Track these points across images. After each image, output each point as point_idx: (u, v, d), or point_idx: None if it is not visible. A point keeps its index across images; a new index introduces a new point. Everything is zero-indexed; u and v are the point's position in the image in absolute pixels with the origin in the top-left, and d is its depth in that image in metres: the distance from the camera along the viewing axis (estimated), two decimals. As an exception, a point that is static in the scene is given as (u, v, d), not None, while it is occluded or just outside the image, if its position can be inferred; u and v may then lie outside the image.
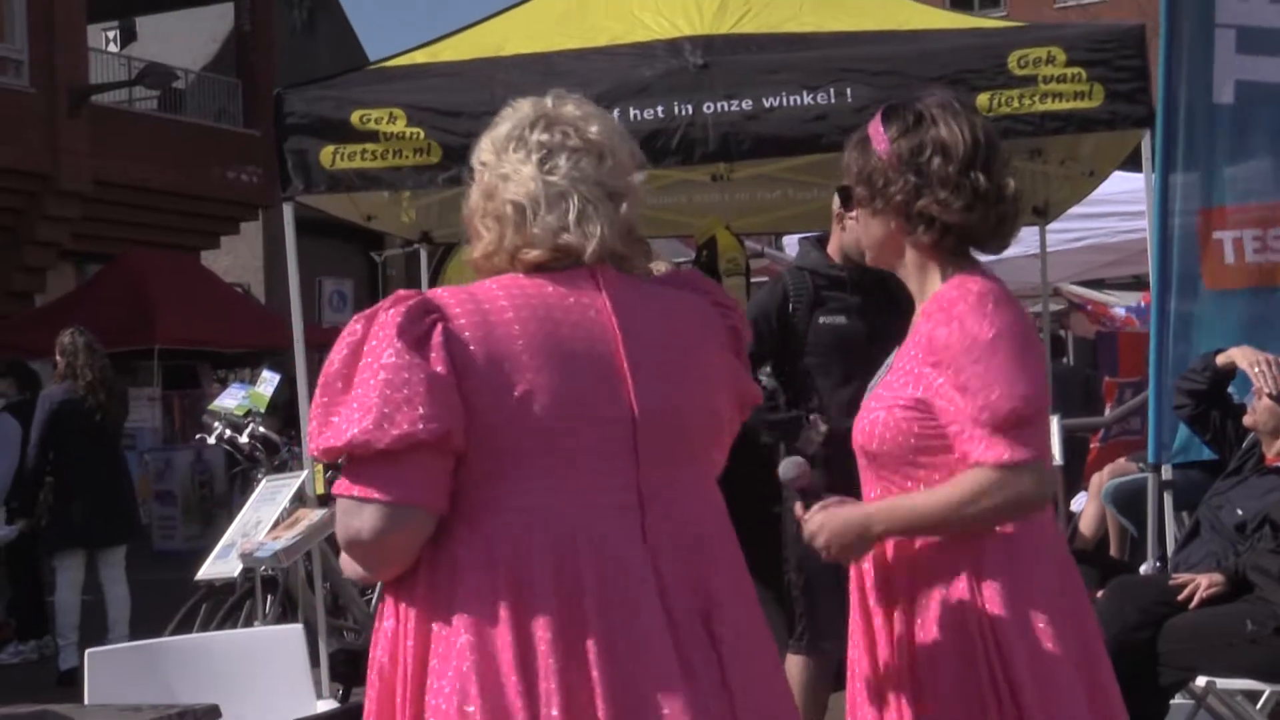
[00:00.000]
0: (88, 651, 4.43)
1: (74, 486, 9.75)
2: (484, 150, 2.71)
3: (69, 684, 8.87)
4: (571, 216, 2.60)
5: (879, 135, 3.11)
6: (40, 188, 20.87)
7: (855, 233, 5.70)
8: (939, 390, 2.96)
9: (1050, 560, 3.06)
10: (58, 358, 9.96)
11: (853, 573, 3.19)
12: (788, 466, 3.13)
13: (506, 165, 2.65)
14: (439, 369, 2.47)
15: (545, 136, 2.65)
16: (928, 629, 3.04)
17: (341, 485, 2.53)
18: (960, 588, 3.00)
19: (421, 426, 2.43)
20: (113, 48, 29.04)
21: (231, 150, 23.64)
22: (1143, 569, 6.34)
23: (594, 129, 2.66)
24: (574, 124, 2.66)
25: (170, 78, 23.26)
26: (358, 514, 2.50)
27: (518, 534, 2.49)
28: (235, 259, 26.78)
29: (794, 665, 5.79)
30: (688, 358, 2.66)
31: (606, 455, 2.54)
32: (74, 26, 21.82)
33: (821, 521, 3.06)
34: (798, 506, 3.15)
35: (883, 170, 3.08)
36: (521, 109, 2.71)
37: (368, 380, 2.48)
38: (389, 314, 2.51)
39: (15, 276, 21.46)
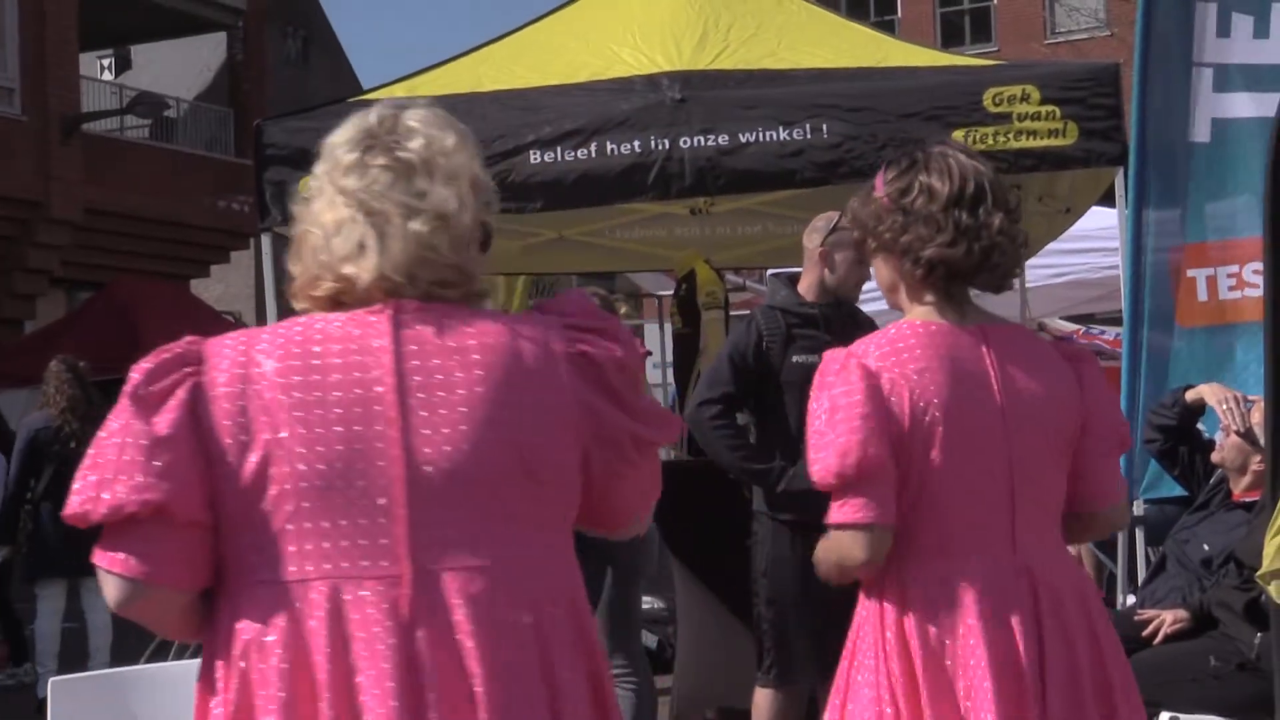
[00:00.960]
0: (51, 680, 4.43)
1: (52, 514, 9.75)
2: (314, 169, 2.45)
3: (44, 712, 8.85)
4: (353, 244, 2.31)
5: (879, 182, 3.29)
6: (31, 215, 20.91)
7: (843, 267, 5.76)
8: None
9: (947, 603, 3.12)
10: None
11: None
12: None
13: (313, 185, 2.41)
14: (165, 432, 2.20)
15: (354, 156, 2.39)
16: (853, 663, 3.20)
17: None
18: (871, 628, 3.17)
19: (133, 497, 2.17)
20: (107, 75, 29.14)
21: (223, 179, 23.69)
22: (1129, 602, 6.35)
23: (413, 145, 2.37)
24: (392, 139, 2.38)
25: (162, 106, 23.34)
26: (105, 582, 2.28)
27: (263, 614, 2.22)
28: (227, 287, 26.85)
29: (762, 699, 5.81)
30: (497, 399, 2.26)
31: (368, 516, 2.21)
32: (66, 54, 21.88)
33: None
34: None
35: (876, 213, 3.26)
36: (351, 123, 2.46)
37: (100, 443, 2.24)
38: (134, 371, 2.26)
39: (5, 303, 21.48)
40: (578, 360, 2.33)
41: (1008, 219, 3.20)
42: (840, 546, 3.12)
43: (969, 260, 3.16)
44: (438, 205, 2.32)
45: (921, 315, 3.22)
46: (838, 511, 3.09)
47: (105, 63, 31.32)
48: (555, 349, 2.33)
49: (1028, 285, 9.56)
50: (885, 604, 3.13)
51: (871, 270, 3.48)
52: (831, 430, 3.09)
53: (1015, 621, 3.07)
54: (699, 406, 5.85)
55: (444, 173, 2.35)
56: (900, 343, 3.16)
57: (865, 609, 3.21)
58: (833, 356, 3.19)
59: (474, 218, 2.36)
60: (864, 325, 6.22)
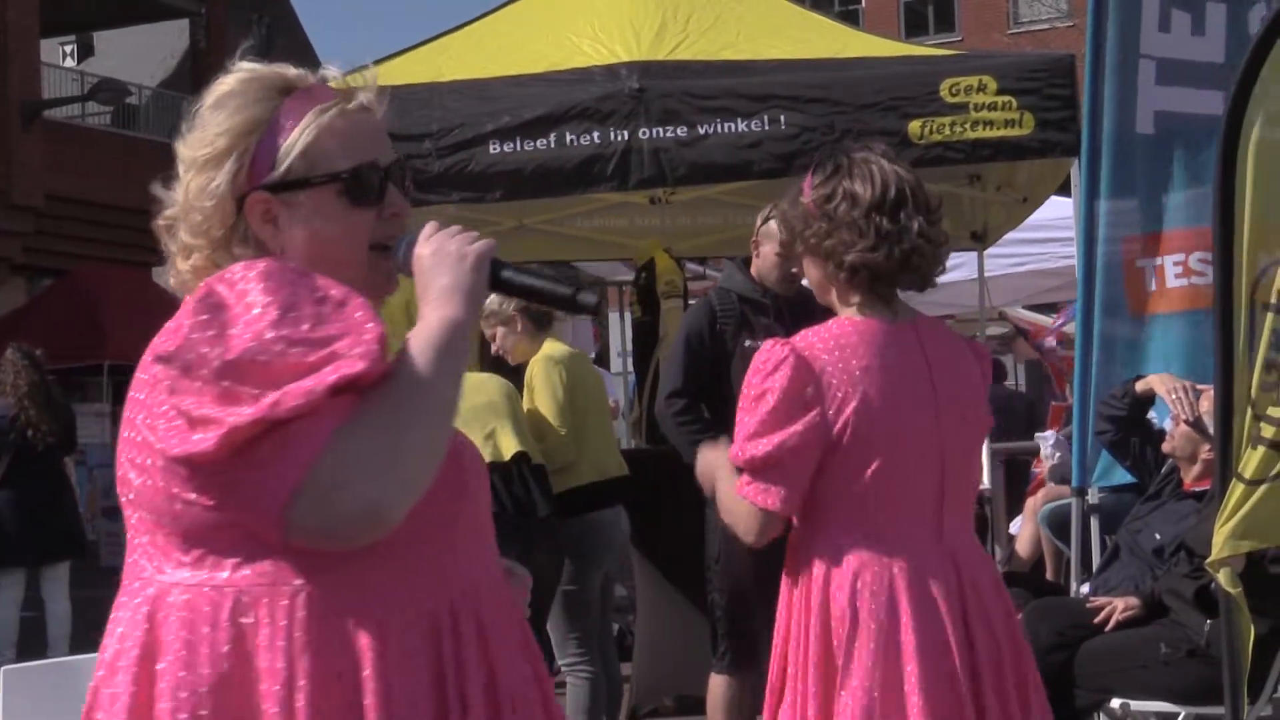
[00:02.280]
0: (2, 670, 4.42)
1: (11, 503, 9.73)
2: None
3: (5, 701, 8.81)
4: None
5: (807, 184, 3.42)
6: (-8, 202, 20.80)
7: (767, 260, 5.82)
8: None
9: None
10: (1, 374, 9.95)
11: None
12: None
13: None
14: None
15: None
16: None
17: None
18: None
19: None
20: (70, 62, 28.98)
21: (186, 166, 23.59)
22: (1083, 590, 6.41)
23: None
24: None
25: (124, 94, 23.21)
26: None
27: None
28: (189, 275, 26.72)
29: (716, 685, 5.84)
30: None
31: None
32: (27, 40, 21.74)
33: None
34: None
35: (803, 217, 3.39)
36: None
37: None
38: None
39: (-35, 291, 21.38)
40: None
41: (928, 222, 3.32)
42: (736, 518, 3.32)
43: (890, 264, 3.30)
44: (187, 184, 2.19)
45: (856, 313, 3.34)
46: (746, 486, 3.27)
47: (67, 49, 31.14)
48: None
49: (987, 275, 9.61)
50: (821, 589, 3.22)
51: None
52: (761, 416, 3.22)
53: (944, 608, 3.18)
54: (666, 399, 5.88)
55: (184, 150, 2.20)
56: (844, 339, 3.26)
57: (797, 595, 3.30)
58: (773, 345, 3.30)
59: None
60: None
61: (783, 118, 6.53)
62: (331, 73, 2.19)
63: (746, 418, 3.25)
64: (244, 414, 1.88)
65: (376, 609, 1.98)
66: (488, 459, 5.98)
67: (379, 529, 1.93)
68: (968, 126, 6.54)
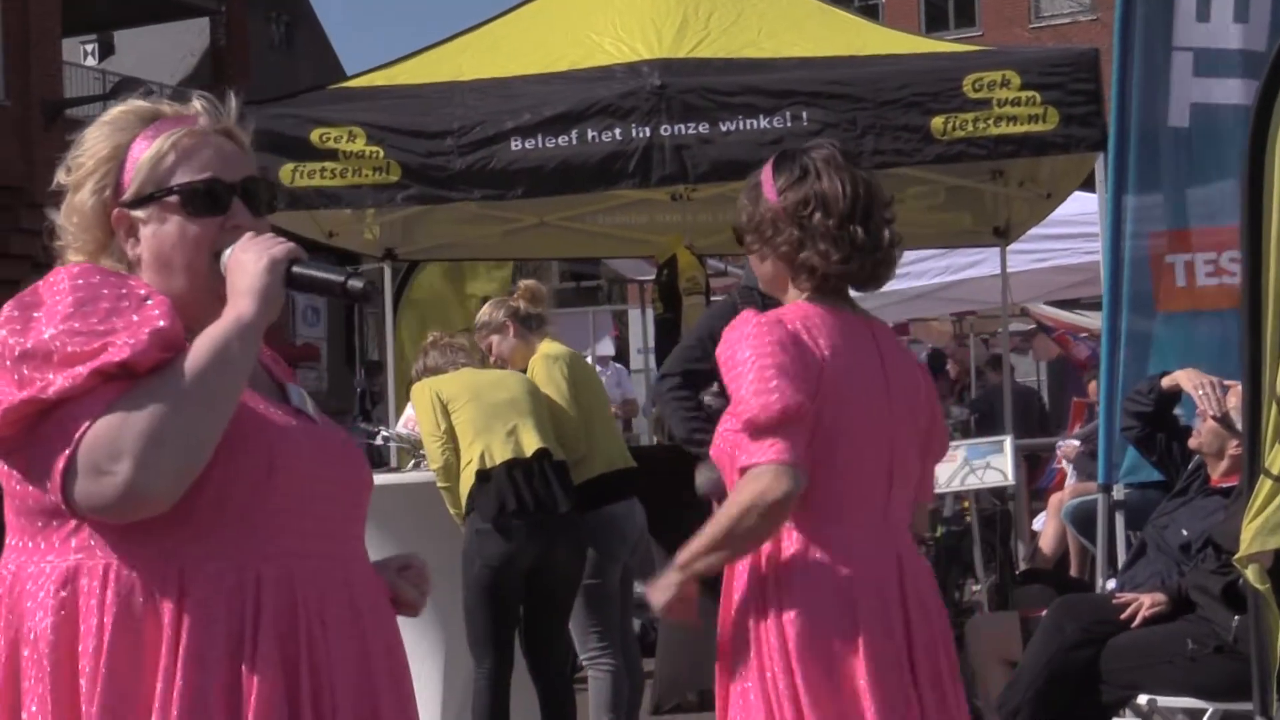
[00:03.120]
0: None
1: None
2: None
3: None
4: None
5: (769, 185, 3.33)
6: (14, 200, 20.88)
7: None
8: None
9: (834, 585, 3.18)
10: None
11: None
12: (710, 477, 3.27)
13: None
14: None
15: None
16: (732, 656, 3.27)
17: None
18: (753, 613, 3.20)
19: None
20: (91, 61, 29.06)
21: (206, 165, 23.65)
22: (1109, 586, 6.39)
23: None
24: None
25: (146, 92, 23.19)
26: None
27: None
28: (210, 273, 26.81)
29: None
30: None
31: None
32: (49, 40, 21.84)
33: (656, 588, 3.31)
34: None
35: (771, 220, 3.31)
36: None
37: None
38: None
39: (-12, 289, 21.44)
40: None
41: (890, 225, 3.33)
42: (761, 483, 3.07)
43: (862, 274, 3.29)
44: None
45: (818, 300, 3.28)
46: (764, 451, 3.08)
47: (89, 48, 31.23)
48: None
49: (1009, 270, 9.59)
50: (782, 568, 3.17)
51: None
52: (763, 374, 3.11)
53: (890, 595, 3.18)
54: (661, 379, 5.91)
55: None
56: (813, 320, 3.21)
57: (755, 575, 3.22)
58: (753, 315, 3.23)
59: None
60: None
61: (804, 114, 6.52)
62: (197, 105, 2.41)
63: (740, 384, 3.14)
64: (19, 395, 2.13)
65: (180, 576, 2.17)
66: (510, 455, 5.99)
67: (143, 508, 2.13)
68: (991, 122, 6.51)
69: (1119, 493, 6.53)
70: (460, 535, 6.13)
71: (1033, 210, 8.72)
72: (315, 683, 2.23)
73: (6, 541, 2.26)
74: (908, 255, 11.82)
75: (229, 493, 2.20)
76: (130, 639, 2.14)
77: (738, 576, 3.25)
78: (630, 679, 6.40)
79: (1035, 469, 10.96)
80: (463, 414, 6.12)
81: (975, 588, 8.49)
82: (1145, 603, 5.34)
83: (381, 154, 6.66)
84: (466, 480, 6.05)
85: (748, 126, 6.48)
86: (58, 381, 2.12)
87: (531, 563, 5.94)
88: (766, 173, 3.36)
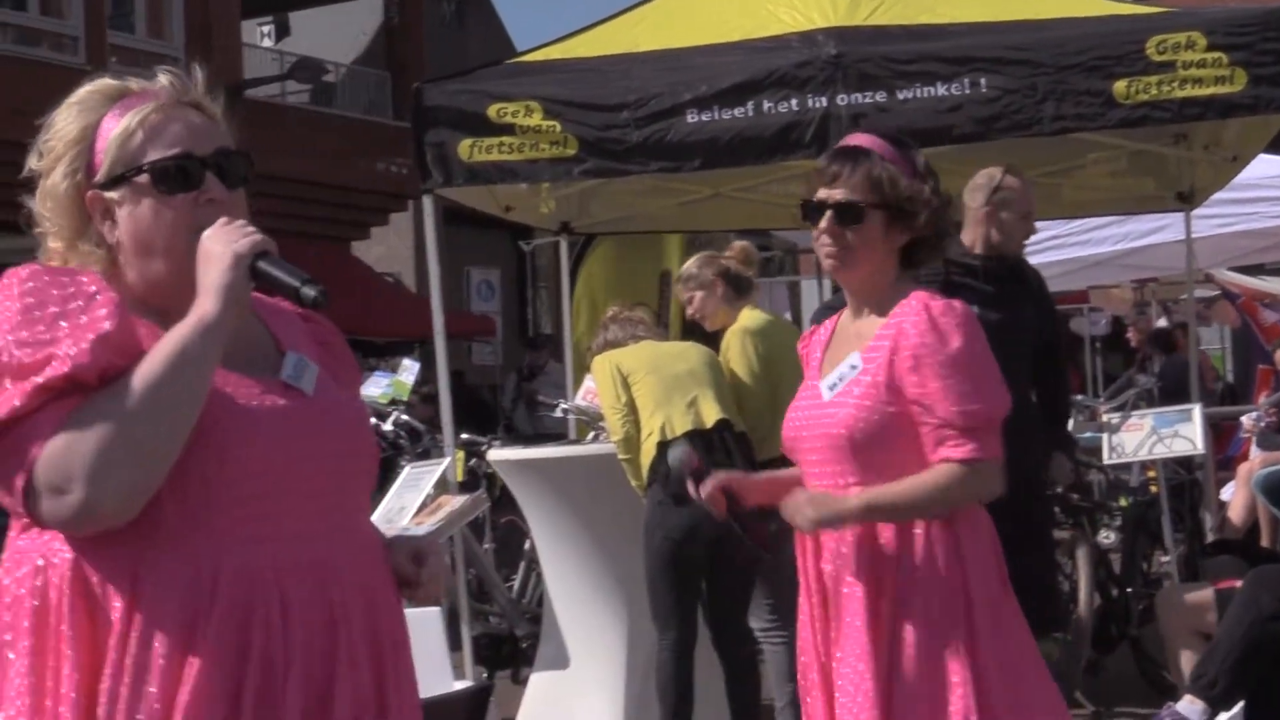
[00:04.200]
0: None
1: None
2: None
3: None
4: None
5: (907, 168, 3.50)
6: (197, 181, 21.34)
7: (1008, 230, 5.79)
8: (914, 392, 3.35)
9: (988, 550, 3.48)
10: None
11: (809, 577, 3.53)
12: (678, 453, 3.41)
13: None
14: None
15: None
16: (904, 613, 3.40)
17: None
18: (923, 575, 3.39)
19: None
20: (267, 43, 29.61)
21: (381, 142, 23.98)
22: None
23: None
24: None
25: (321, 72, 23.68)
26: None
27: None
28: (387, 249, 27.22)
29: None
30: None
31: None
32: (228, 23, 22.29)
33: (806, 499, 3.40)
34: (689, 486, 3.56)
35: (914, 201, 3.47)
36: None
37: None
38: None
39: (174, 269, 21.95)
40: None
41: None
42: (991, 482, 3.38)
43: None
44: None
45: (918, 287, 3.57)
46: (991, 447, 3.35)
47: (265, 30, 31.82)
48: None
49: (1194, 235, 9.38)
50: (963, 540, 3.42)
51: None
52: (990, 369, 3.38)
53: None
54: None
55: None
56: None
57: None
58: (958, 305, 3.43)
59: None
60: (1030, 278, 6.19)
61: (983, 80, 6.43)
62: (164, 79, 2.36)
63: (960, 374, 3.33)
64: None
65: (132, 575, 2.15)
66: (690, 426, 6.02)
67: (101, 524, 2.12)
68: (1176, 85, 6.36)
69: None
70: (641, 507, 6.17)
71: (1217, 174, 8.52)
72: (265, 670, 2.18)
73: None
74: (1088, 222, 11.64)
75: (181, 490, 2.16)
76: (85, 635, 2.15)
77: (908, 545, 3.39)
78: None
79: (1220, 438, 10.72)
80: (643, 386, 6.16)
81: (1164, 558, 8.34)
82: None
83: (558, 128, 6.71)
84: (647, 452, 6.09)
85: (925, 94, 6.41)
86: (11, 398, 2.10)
87: (714, 534, 5.97)
88: (894, 153, 3.50)
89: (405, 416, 9.31)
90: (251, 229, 2.25)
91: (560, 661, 6.86)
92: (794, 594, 4.84)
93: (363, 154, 23.65)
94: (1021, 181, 5.94)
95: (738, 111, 6.53)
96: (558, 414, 8.80)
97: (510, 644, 8.23)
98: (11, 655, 2.18)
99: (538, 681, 6.97)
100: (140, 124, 2.29)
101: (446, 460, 7.30)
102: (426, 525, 6.81)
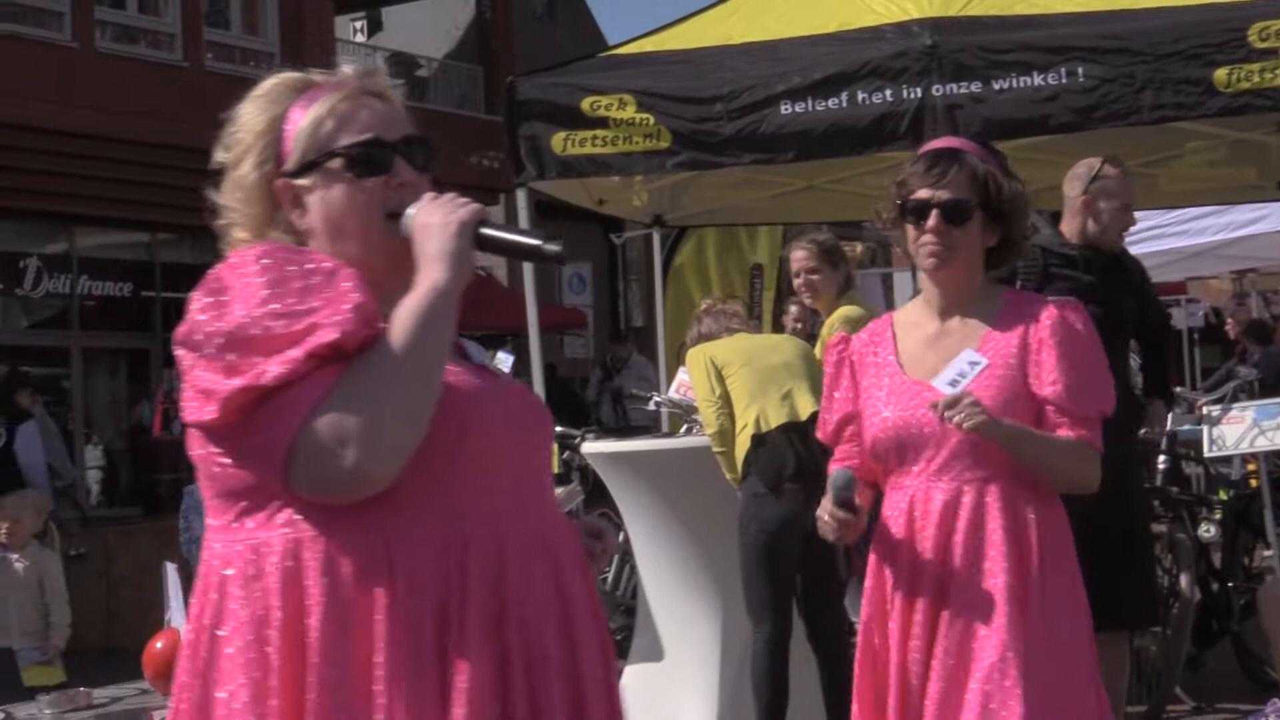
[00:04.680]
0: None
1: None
2: None
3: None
4: None
5: (999, 169, 3.63)
6: (292, 177, 21.56)
7: (1105, 216, 5.75)
8: (1041, 384, 3.54)
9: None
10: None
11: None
12: (844, 479, 3.46)
13: None
14: None
15: None
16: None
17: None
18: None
19: None
20: (360, 38, 29.85)
21: (473, 136, 24.10)
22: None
23: None
24: None
25: (414, 66, 23.87)
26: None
27: None
28: (479, 243, 27.35)
29: None
30: None
31: None
32: (322, 19, 22.49)
33: (971, 399, 3.46)
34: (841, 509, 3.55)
35: (1013, 202, 3.60)
36: None
37: None
38: None
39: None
40: None
41: None
42: (1093, 466, 3.57)
43: None
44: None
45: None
46: (1094, 438, 3.55)
47: (358, 25, 32.08)
48: None
49: (1294, 226, 9.26)
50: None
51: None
52: (1103, 366, 3.59)
53: None
54: None
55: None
56: None
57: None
58: (1078, 304, 3.65)
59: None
60: (1131, 268, 6.13)
61: (1080, 70, 6.37)
62: (347, 71, 2.43)
63: (1091, 368, 3.55)
64: (235, 384, 2.13)
65: (386, 547, 2.17)
66: (785, 419, 6.02)
67: (366, 489, 2.14)
68: (1278, 73, 6.27)
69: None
70: (736, 499, 6.17)
71: (1320, 163, 8.40)
72: (525, 640, 2.23)
73: (208, 521, 2.28)
74: (1186, 212, 11.51)
75: (426, 461, 2.18)
76: (340, 613, 2.15)
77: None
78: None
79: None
80: (737, 379, 6.16)
81: (1267, 553, 8.22)
82: None
83: (652, 120, 6.72)
84: (742, 444, 6.09)
85: (1022, 84, 6.35)
86: (273, 368, 2.12)
87: (808, 527, 5.95)
88: (989, 159, 3.63)
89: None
90: (466, 199, 2.28)
91: (654, 654, 6.87)
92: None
93: (455, 148, 23.78)
94: (1121, 171, 5.89)
95: (832, 103, 6.51)
96: (650, 407, 8.81)
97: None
98: (270, 647, 2.16)
99: (632, 674, 6.99)
100: (330, 112, 2.34)
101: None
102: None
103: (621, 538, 8.34)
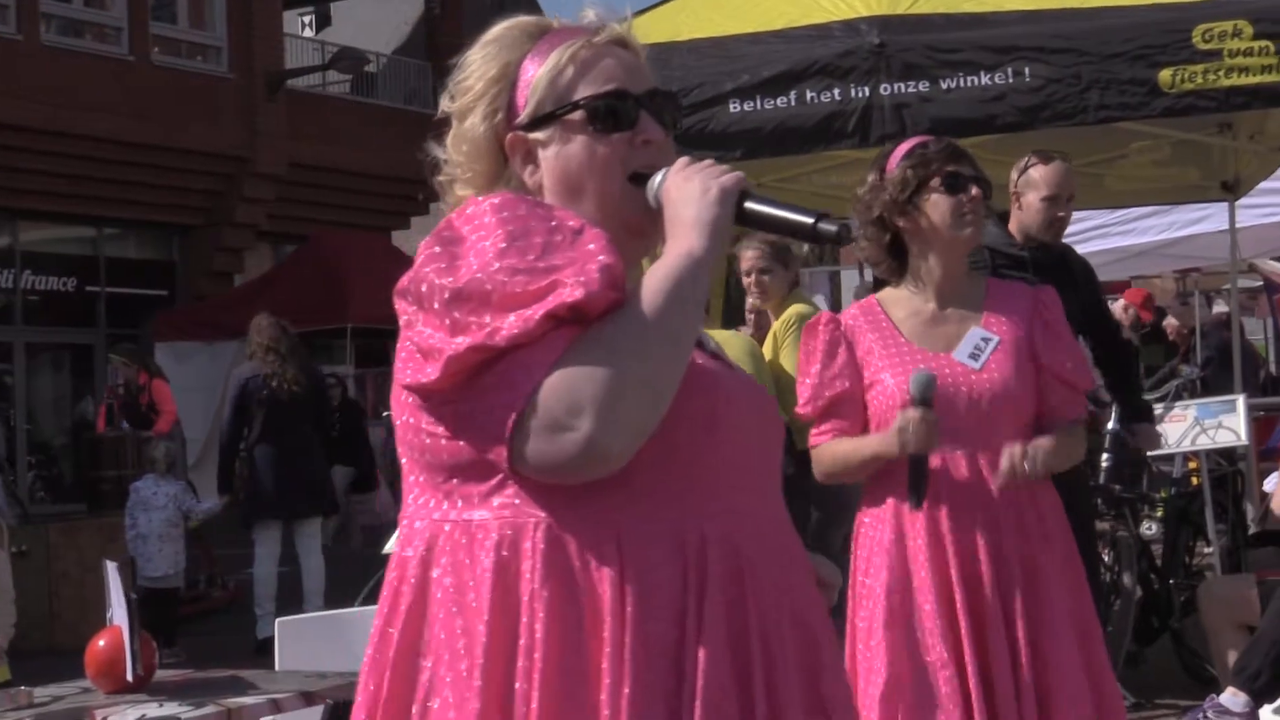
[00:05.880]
0: (278, 621, 4.61)
1: (263, 461, 10.11)
2: None
3: (265, 653, 9.15)
4: None
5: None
6: (238, 170, 21.46)
7: (1030, 210, 5.78)
8: (1050, 357, 3.81)
9: None
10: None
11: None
12: (926, 379, 3.54)
13: None
14: None
15: None
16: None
17: None
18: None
19: None
20: (308, 33, 29.71)
21: (421, 132, 23.86)
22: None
23: None
24: None
25: (362, 61, 23.75)
26: None
27: None
28: (426, 238, 27.28)
29: None
30: None
31: None
32: (270, 13, 22.39)
33: (1038, 448, 3.70)
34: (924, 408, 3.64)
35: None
36: None
37: None
38: None
39: (215, 257, 22.10)
40: None
41: None
42: (1081, 441, 3.86)
43: None
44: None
45: None
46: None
47: (306, 20, 31.96)
48: None
49: (1238, 225, 9.33)
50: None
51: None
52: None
53: None
54: None
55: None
56: None
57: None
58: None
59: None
60: (1076, 268, 6.16)
61: (1027, 70, 6.40)
62: (590, 15, 2.19)
63: (1074, 349, 3.90)
64: (463, 343, 1.89)
65: (618, 542, 1.95)
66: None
67: (600, 468, 1.90)
68: (1222, 74, 6.32)
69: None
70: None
71: (1262, 164, 8.48)
72: (766, 649, 2.00)
73: (408, 498, 2.07)
74: (1130, 212, 11.59)
75: (671, 449, 1.96)
76: (566, 609, 1.92)
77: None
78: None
79: (1262, 428, 10.66)
80: (685, 375, 6.17)
81: (1207, 550, 8.31)
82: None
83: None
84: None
85: (969, 84, 6.38)
86: (506, 327, 1.89)
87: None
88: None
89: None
90: (725, 166, 2.06)
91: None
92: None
93: (403, 143, 23.66)
94: (1045, 161, 5.90)
95: (780, 101, 6.52)
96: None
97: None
98: (480, 627, 1.94)
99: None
100: (571, 59, 2.11)
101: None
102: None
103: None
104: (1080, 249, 6.56)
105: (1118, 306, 13.22)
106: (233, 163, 21.31)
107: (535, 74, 2.12)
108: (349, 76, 24.88)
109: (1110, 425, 7.15)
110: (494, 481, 1.96)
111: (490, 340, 1.88)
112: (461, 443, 1.95)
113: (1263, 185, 9.14)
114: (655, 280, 1.94)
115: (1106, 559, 7.25)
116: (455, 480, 1.98)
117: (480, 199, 2.02)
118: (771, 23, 6.91)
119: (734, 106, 6.56)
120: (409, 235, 25.76)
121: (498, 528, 1.95)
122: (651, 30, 7.13)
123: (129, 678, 3.54)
